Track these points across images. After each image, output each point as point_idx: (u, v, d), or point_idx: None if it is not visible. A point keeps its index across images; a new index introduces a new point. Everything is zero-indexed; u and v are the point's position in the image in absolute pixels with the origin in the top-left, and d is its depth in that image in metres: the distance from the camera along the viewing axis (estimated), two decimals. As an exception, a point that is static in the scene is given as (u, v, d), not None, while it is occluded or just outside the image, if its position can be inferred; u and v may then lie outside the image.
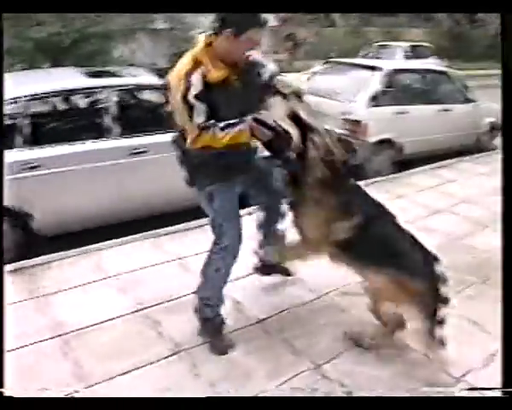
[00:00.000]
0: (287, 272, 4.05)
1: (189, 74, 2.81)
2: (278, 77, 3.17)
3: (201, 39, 2.96)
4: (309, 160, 2.97)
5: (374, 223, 3.07)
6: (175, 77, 2.89)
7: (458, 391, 3.06)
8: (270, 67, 3.19)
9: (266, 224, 3.67)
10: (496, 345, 3.40)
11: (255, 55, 3.16)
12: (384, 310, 3.20)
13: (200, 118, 2.81)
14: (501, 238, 2.67)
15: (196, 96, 2.78)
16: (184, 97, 2.79)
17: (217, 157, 2.97)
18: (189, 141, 2.91)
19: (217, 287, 3.31)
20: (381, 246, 3.04)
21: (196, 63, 2.85)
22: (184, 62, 2.91)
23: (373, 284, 3.11)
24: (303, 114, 3.02)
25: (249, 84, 3.03)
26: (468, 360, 3.30)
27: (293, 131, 2.97)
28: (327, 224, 3.04)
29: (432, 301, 2.98)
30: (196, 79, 2.80)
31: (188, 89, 2.78)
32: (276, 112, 2.99)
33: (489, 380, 3.01)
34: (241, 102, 2.92)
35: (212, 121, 2.85)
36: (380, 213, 3.18)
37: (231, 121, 2.88)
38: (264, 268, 3.97)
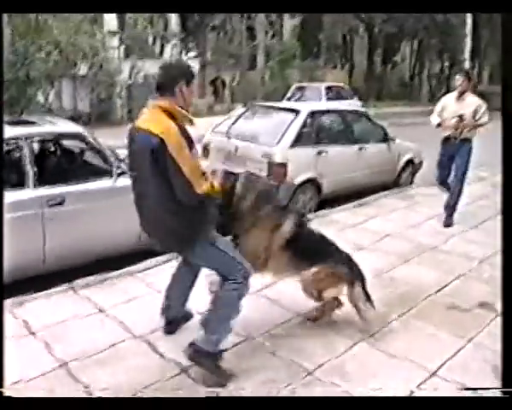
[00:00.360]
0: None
1: (178, 126, 3.14)
2: None
3: (157, 101, 3.29)
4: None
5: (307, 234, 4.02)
6: (172, 135, 3.08)
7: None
8: None
9: None
10: (421, 374, 3.51)
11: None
12: (326, 295, 4.02)
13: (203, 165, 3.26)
14: (501, 238, 2.74)
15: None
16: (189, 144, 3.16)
17: (208, 206, 3.31)
18: (201, 189, 3.14)
19: (235, 314, 3.43)
20: (318, 248, 4.01)
21: (173, 118, 3.17)
22: (162, 120, 3.16)
23: (316, 276, 3.90)
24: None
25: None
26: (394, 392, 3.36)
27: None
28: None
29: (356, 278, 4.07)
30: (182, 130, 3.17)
31: (187, 137, 3.17)
32: None
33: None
34: None
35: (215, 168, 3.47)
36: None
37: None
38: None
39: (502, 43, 3.03)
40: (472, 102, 6.70)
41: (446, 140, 6.85)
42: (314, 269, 3.89)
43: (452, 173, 6.94)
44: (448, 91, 6.68)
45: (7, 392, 2.26)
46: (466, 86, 6.67)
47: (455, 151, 6.79)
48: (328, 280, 3.96)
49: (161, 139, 3.06)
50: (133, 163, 3.47)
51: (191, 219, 3.23)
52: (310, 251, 3.93)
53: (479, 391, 3.15)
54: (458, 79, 6.74)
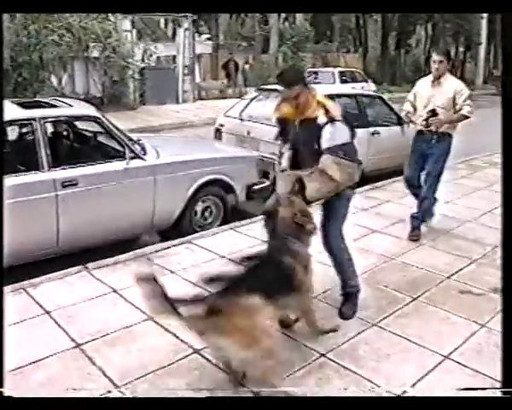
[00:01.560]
0: None
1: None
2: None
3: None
4: None
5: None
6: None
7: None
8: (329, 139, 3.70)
9: None
10: (434, 359, 3.50)
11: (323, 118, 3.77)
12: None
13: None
14: (501, 238, 2.73)
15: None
16: None
17: None
18: None
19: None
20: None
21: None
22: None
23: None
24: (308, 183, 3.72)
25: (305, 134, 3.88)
26: (406, 376, 3.36)
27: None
28: None
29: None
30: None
31: None
32: None
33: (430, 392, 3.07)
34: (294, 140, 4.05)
35: None
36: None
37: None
38: None
39: (502, 43, 3.00)
40: (450, 87, 5.52)
41: (419, 133, 5.76)
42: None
43: (423, 176, 5.91)
44: (462, 76, 5.93)
45: (7, 392, 2.28)
46: (444, 68, 5.51)
47: (428, 148, 5.68)
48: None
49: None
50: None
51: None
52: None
53: (479, 391, 3.15)
54: (434, 60, 5.53)
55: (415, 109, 5.82)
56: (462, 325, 3.97)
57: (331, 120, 3.65)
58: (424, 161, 5.76)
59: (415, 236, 5.77)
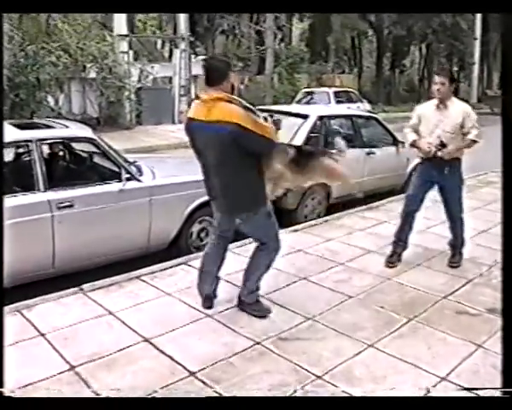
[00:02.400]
0: None
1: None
2: None
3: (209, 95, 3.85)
4: None
5: None
6: (239, 117, 3.74)
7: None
8: None
9: None
10: (431, 380, 3.49)
11: None
12: None
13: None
14: (501, 239, 2.74)
15: None
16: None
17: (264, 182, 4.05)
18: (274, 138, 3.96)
19: (262, 276, 4.35)
20: None
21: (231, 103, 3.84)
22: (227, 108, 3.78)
23: None
24: None
25: None
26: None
27: None
28: None
29: None
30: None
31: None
32: None
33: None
34: None
35: None
36: None
37: None
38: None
39: (502, 44, 3.02)
40: (457, 111, 5.17)
41: (426, 160, 5.38)
42: None
43: (446, 208, 5.62)
44: (456, 95, 5.34)
45: (7, 392, 2.26)
46: (446, 91, 5.12)
47: (439, 178, 5.36)
48: None
49: (238, 124, 3.69)
50: (212, 154, 3.91)
51: (261, 187, 4.02)
52: None
53: (479, 391, 3.13)
54: (436, 82, 5.14)
55: (418, 135, 5.41)
56: (459, 346, 3.96)
57: None
58: (428, 189, 5.53)
59: (455, 262, 5.58)
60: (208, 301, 4.43)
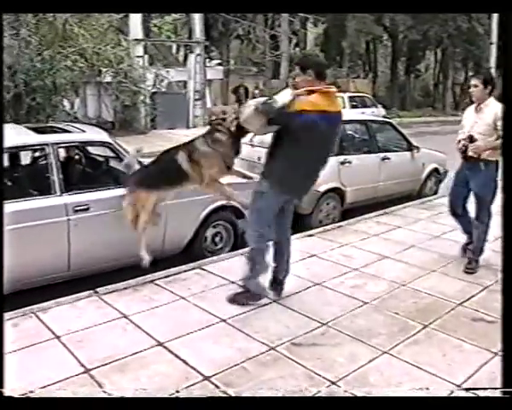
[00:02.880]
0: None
1: None
2: None
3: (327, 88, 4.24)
4: None
5: None
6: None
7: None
8: None
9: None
10: (446, 387, 3.46)
11: None
12: None
13: None
14: (501, 240, 2.71)
15: None
16: None
17: None
18: None
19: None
20: None
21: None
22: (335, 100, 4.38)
23: None
24: None
25: None
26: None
27: None
28: None
29: None
30: None
31: None
32: None
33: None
34: None
35: None
36: None
37: None
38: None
39: (502, 44, 3.01)
40: (490, 113, 5.26)
41: (464, 161, 5.57)
42: None
43: (472, 207, 5.67)
44: (472, 101, 5.63)
45: (7, 392, 2.27)
46: (480, 93, 5.31)
47: (470, 176, 5.52)
48: None
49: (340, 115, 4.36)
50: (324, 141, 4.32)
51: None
52: None
53: (479, 391, 3.10)
54: (470, 85, 5.50)
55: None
56: (475, 353, 3.92)
57: None
58: (466, 188, 5.60)
59: (470, 268, 5.56)
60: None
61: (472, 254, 5.69)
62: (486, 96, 5.34)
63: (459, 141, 5.52)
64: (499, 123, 5.06)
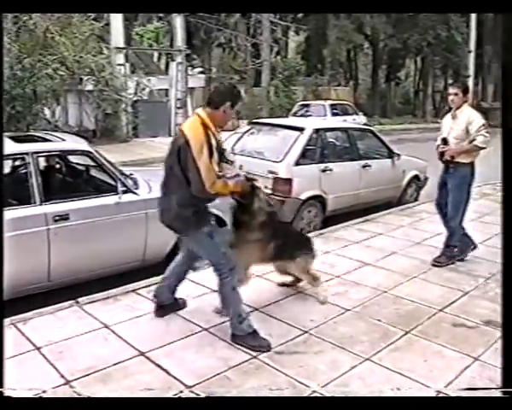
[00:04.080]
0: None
1: (206, 134, 3.74)
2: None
3: (200, 111, 3.92)
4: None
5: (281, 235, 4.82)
6: (194, 137, 3.73)
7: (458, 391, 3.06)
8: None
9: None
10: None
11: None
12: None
13: (215, 165, 3.77)
14: (501, 239, 2.73)
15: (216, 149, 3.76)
16: (210, 149, 3.70)
17: (207, 203, 3.98)
18: (208, 185, 3.70)
19: (239, 301, 4.08)
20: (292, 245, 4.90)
21: (206, 127, 3.78)
22: (196, 126, 3.81)
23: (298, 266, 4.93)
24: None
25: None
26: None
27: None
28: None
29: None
30: (212, 138, 3.77)
31: (210, 144, 3.72)
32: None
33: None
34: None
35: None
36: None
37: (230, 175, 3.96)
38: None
39: (502, 44, 3.04)
40: (463, 119, 5.66)
41: (443, 165, 5.96)
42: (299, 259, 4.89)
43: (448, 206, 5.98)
44: (450, 108, 6.01)
45: (7, 392, 2.24)
46: (459, 101, 5.69)
47: (447, 178, 5.92)
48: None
49: (187, 140, 3.73)
50: (167, 159, 4.02)
51: (198, 210, 3.92)
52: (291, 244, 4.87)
53: (479, 391, 3.12)
54: (450, 93, 5.80)
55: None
56: (455, 359, 3.95)
57: None
58: (446, 189, 5.97)
59: (438, 261, 5.95)
60: (161, 310, 4.53)
61: (446, 248, 6.03)
62: (463, 103, 5.73)
63: (438, 146, 5.91)
64: (470, 127, 5.59)
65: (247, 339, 4.03)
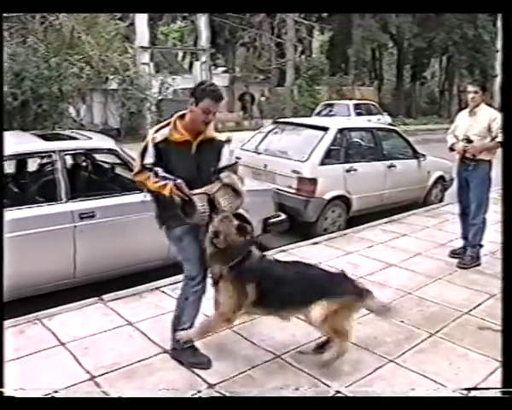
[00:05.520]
0: None
1: (157, 129, 3.63)
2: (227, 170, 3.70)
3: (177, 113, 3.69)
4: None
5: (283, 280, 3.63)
6: (153, 128, 3.70)
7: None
8: (228, 157, 3.76)
9: None
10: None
11: (222, 137, 3.81)
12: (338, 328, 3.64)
13: (148, 159, 3.55)
14: (501, 238, 2.71)
15: (155, 145, 3.53)
16: (148, 139, 3.57)
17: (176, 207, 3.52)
18: (132, 173, 3.72)
19: (189, 314, 3.73)
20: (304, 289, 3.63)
21: (167, 124, 3.63)
22: (163, 123, 3.69)
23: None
24: (220, 200, 3.52)
25: (204, 155, 3.63)
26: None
27: (201, 207, 3.43)
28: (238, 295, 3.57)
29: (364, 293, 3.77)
30: (161, 134, 3.56)
31: (153, 138, 3.56)
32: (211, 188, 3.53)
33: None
34: (190, 163, 3.59)
35: (156, 168, 3.52)
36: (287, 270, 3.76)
37: (167, 175, 3.49)
38: None
39: (502, 44, 3.00)
40: (484, 116, 5.75)
41: (460, 161, 6.00)
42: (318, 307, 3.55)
43: (471, 204, 5.94)
44: (466, 106, 6.02)
45: (7, 392, 2.27)
46: (479, 99, 5.78)
47: (468, 176, 5.91)
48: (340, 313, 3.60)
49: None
50: None
51: (164, 209, 3.73)
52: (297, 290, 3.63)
53: (479, 391, 3.08)
54: (469, 91, 5.83)
55: (457, 140, 6.00)
56: (481, 362, 3.90)
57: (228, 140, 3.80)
58: (468, 187, 5.94)
59: (462, 263, 5.92)
60: None
61: (463, 253, 6.05)
62: (482, 101, 5.84)
63: (453, 144, 5.98)
64: (493, 124, 5.64)
65: (185, 354, 3.75)
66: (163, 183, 3.49)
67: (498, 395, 2.59)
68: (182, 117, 3.65)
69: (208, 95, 3.54)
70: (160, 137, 3.56)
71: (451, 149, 6.07)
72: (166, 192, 3.48)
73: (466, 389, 3.14)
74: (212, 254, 3.58)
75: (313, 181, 7.11)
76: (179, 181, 3.44)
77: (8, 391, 2.29)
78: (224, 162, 3.71)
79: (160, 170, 3.51)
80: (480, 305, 4.91)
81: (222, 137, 3.82)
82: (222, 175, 3.63)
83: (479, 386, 3.54)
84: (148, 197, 3.91)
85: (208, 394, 3.33)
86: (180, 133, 3.58)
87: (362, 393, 3.17)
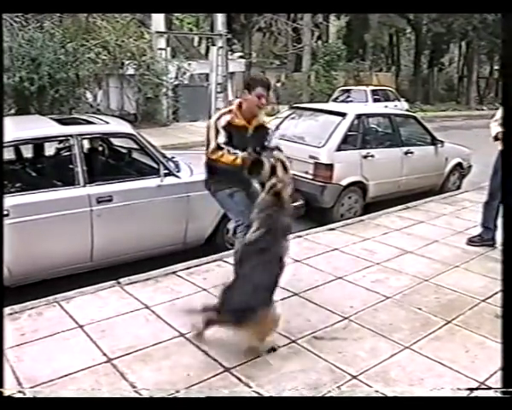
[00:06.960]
0: None
1: (221, 115, 4.48)
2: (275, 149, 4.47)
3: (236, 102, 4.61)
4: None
5: None
6: (215, 115, 4.55)
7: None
8: (275, 141, 4.65)
9: None
10: (469, 385, 3.42)
11: (271, 125, 4.89)
12: None
13: (221, 139, 4.33)
14: (502, 236, 2.68)
15: (223, 127, 4.35)
16: (215, 124, 4.38)
17: (232, 171, 4.34)
18: (207, 151, 4.44)
19: None
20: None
21: (229, 111, 4.51)
22: (223, 111, 4.59)
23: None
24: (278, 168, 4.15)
25: (256, 137, 4.48)
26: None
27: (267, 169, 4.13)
28: None
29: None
30: (224, 119, 4.40)
31: (218, 120, 4.41)
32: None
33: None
34: (246, 142, 4.38)
35: (227, 147, 4.32)
36: None
37: (235, 151, 4.29)
38: None
39: (502, 44, 2.96)
40: None
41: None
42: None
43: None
44: (497, 95, 5.79)
45: (7, 392, 2.29)
46: None
47: None
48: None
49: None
50: None
51: (219, 175, 4.51)
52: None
53: (479, 391, 3.07)
54: None
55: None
56: (498, 351, 3.85)
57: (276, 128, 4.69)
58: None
59: (473, 241, 6.09)
60: None
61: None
62: None
63: (498, 132, 5.48)
64: None
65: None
66: (238, 155, 4.28)
67: (498, 395, 2.57)
68: (239, 106, 4.47)
69: (259, 83, 4.39)
70: (223, 122, 4.38)
71: (496, 137, 5.60)
72: (239, 161, 4.26)
73: (466, 389, 3.13)
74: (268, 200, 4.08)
75: (330, 167, 7.08)
76: (250, 150, 4.28)
77: (8, 391, 2.31)
78: (272, 143, 4.55)
79: (230, 148, 4.32)
80: (496, 293, 4.85)
81: (270, 125, 4.82)
82: (274, 153, 4.34)
83: (495, 374, 3.52)
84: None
85: (208, 393, 3.33)
86: (240, 119, 4.44)
87: (362, 393, 3.16)
